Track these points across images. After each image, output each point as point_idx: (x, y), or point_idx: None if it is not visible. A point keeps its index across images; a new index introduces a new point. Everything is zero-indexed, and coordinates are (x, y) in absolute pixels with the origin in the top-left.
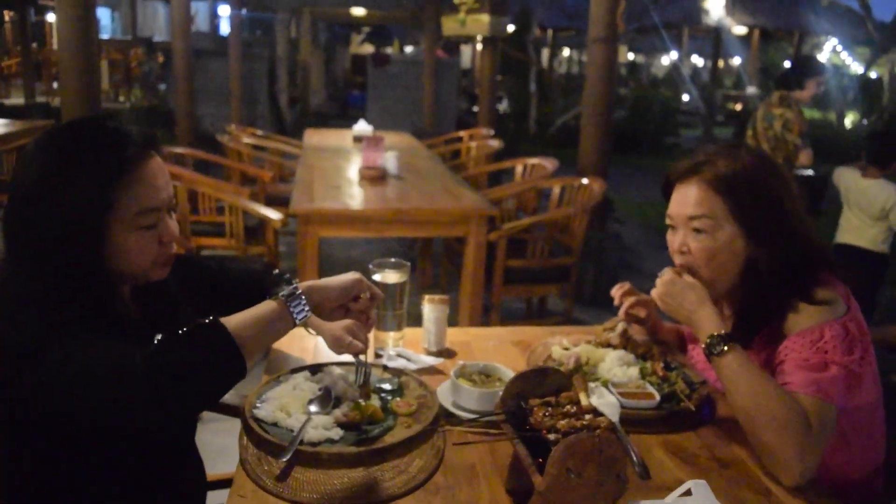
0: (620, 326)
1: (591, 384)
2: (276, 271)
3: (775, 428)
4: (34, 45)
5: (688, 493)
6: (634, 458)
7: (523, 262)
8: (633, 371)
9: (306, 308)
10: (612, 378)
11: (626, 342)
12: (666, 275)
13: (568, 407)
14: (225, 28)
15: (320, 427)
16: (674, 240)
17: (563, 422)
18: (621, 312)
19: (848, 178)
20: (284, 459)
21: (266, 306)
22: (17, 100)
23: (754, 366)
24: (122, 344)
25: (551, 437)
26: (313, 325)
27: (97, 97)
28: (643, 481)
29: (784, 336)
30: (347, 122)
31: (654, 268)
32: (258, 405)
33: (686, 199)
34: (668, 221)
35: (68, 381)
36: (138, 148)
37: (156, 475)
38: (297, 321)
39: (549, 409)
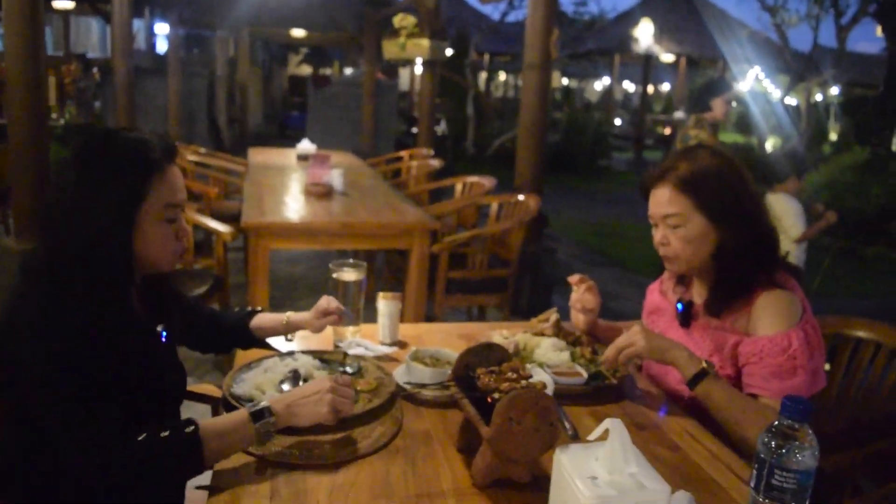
0: (553, 317)
1: (528, 365)
2: (258, 407)
3: (755, 431)
4: None
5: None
6: (566, 423)
7: (464, 273)
8: (565, 355)
9: (270, 435)
10: (547, 361)
11: (558, 331)
12: (644, 341)
13: (510, 374)
14: (162, 46)
15: None
16: (656, 234)
17: (504, 384)
18: (576, 295)
19: None
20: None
21: (243, 432)
22: None
23: (728, 385)
24: (114, 420)
25: (496, 395)
26: (294, 319)
27: (45, 113)
28: (573, 440)
29: (753, 328)
30: (286, 142)
31: None
32: (234, 385)
33: (659, 201)
34: (650, 220)
35: (53, 417)
36: (163, 152)
37: None
38: (260, 441)
39: (494, 375)
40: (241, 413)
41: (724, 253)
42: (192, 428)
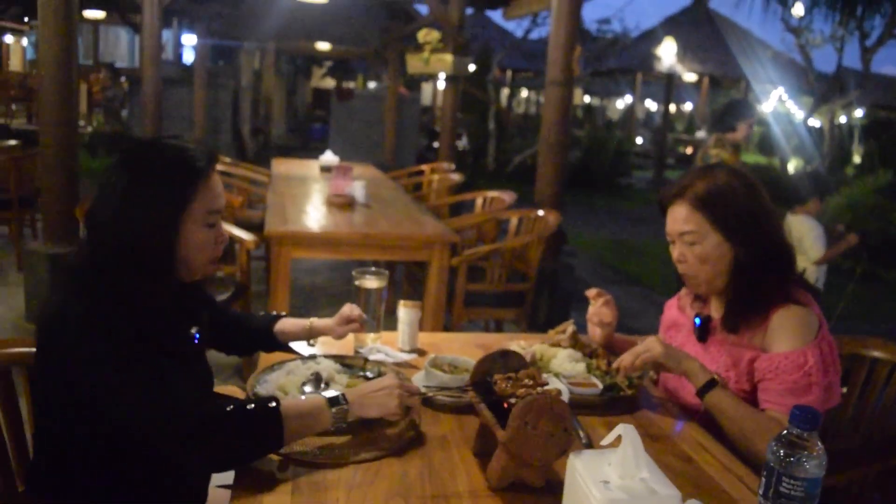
0: (570, 329)
1: (544, 375)
2: (335, 395)
3: (762, 441)
4: None
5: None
6: (581, 432)
7: (482, 286)
8: (581, 366)
9: (343, 420)
10: (563, 371)
11: (574, 343)
12: (661, 347)
13: (526, 380)
14: (188, 57)
15: None
16: (674, 252)
17: (521, 390)
18: (594, 308)
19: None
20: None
21: (319, 416)
22: None
23: (736, 397)
24: (181, 385)
25: (512, 401)
26: (317, 325)
27: (76, 120)
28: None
29: (768, 344)
30: (309, 153)
31: None
32: (258, 386)
33: (676, 219)
34: (668, 238)
35: (121, 398)
36: (206, 162)
37: None
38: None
39: (510, 381)
40: (319, 398)
41: (739, 270)
42: (275, 405)
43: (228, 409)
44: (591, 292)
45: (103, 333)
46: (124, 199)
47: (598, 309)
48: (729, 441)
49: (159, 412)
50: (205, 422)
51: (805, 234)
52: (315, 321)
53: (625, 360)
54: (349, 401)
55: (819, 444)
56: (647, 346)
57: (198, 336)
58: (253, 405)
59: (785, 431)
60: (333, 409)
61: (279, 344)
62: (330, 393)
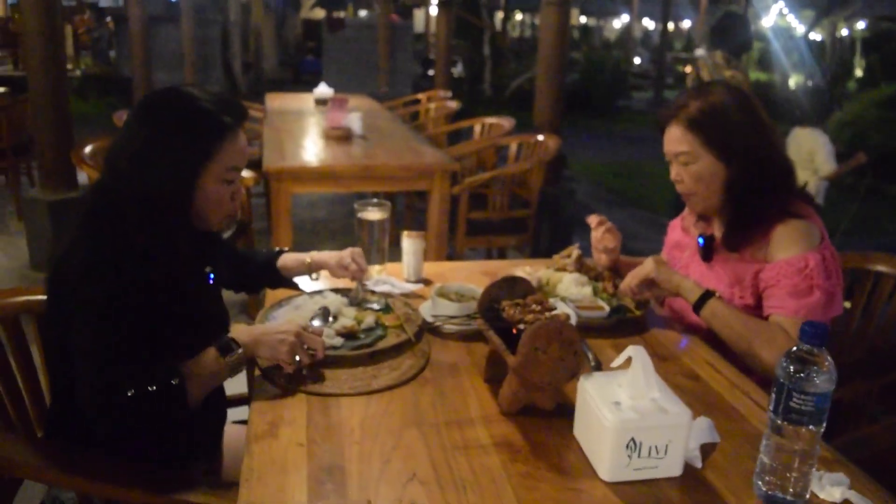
0: (575, 254)
1: (551, 300)
2: (226, 342)
3: (761, 345)
4: None
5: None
6: (589, 355)
7: (484, 213)
8: (587, 290)
9: (240, 365)
10: (569, 295)
11: (580, 267)
12: (653, 263)
13: (534, 306)
14: None
15: (324, 337)
16: (672, 171)
17: (529, 316)
18: (597, 235)
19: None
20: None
21: (215, 369)
22: None
23: (730, 306)
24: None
25: (521, 326)
26: (316, 259)
27: (63, 63)
28: (596, 371)
29: (771, 256)
30: (302, 87)
31: None
32: (267, 321)
33: (671, 139)
34: (666, 157)
35: (81, 344)
36: (236, 116)
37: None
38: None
39: (518, 307)
40: (211, 352)
41: (733, 188)
42: (177, 381)
43: (129, 394)
44: (592, 220)
45: (102, 278)
46: (146, 148)
47: (601, 236)
48: (732, 355)
49: (96, 374)
50: (113, 403)
51: (818, 149)
52: (314, 255)
53: (627, 283)
54: (242, 343)
55: (829, 358)
56: (640, 268)
57: (212, 277)
58: (155, 387)
59: (795, 348)
60: (226, 359)
61: (284, 279)
62: (223, 340)
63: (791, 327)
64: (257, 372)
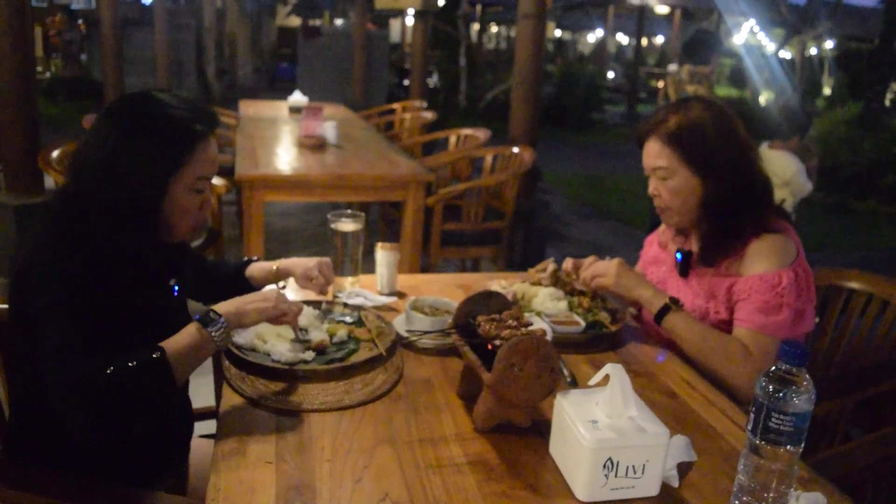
0: (550, 268)
1: (527, 314)
2: (206, 315)
3: (719, 360)
4: None
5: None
6: (565, 371)
7: (458, 225)
8: (562, 304)
9: (227, 336)
10: (545, 310)
11: (555, 281)
12: (615, 276)
13: (510, 321)
14: None
15: (295, 351)
16: (650, 186)
17: (506, 332)
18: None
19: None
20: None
21: (200, 343)
22: None
23: (692, 319)
24: (97, 348)
25: (497, 342)
26: (282, 267)
27: (32, 65)
28: (571, 387)
29: (745, 270)
30: (276, 94)
31: (579, 235)
32: (236, 335)
33: (650, 154)
34: (645, 172)
35: (45, 342)
36: (206, 125)
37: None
38: (219, 346)
39: (494, 323)
40: (192, 327)
41: (709, 203)
42: (159, 354)
43: (109, 371)
44: (567, 265)
45: (65, 281)
46: (115, 153)
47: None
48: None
49: (71, 362)
50: (94, 387)
51: (795, 174)
52: (281, 264)
53: (582, 274)
54: (224, 312)
55: (808, 378)
56: (605, 271)
57: (177, 289)
58: (136, 362)
59: (774, 367)
60: (210, 330)
61: (252, 290)
62: (203, 313)
63: (752, 342)
64: (225, 387)
